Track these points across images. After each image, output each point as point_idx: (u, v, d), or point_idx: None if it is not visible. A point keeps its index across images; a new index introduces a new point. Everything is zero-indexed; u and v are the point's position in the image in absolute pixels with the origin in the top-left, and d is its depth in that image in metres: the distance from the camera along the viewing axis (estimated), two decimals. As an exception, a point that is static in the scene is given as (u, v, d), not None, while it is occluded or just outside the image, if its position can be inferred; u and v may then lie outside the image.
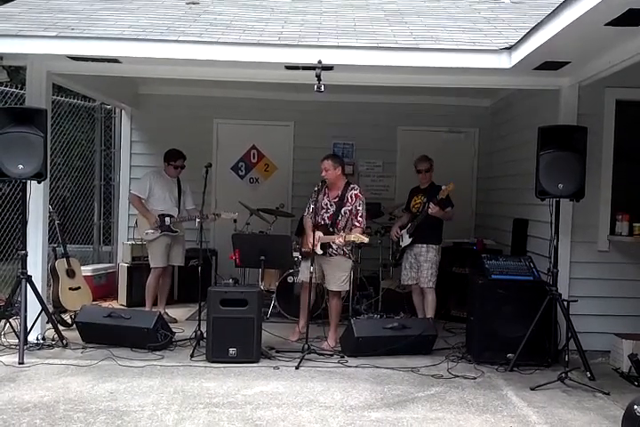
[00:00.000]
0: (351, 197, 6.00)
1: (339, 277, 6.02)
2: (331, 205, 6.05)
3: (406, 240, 6.53)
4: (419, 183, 6.73)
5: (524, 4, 7.30)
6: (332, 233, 5.92)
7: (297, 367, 5.30)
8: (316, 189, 6.11)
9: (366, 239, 5.73)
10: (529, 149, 6.02)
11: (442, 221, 6.49)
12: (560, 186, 5.23)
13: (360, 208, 5.99)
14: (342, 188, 6.06)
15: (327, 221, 6.01)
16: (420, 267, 6.44)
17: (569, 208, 5.77)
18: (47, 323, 5.89)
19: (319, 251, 5.84)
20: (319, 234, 5.82)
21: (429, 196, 6.40)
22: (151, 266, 6.92)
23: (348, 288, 6.26)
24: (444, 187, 6.17)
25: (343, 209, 6.00)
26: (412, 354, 5.72)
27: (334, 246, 5.96)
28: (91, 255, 9.20)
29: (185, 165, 7.04)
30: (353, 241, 5.75)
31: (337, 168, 6.02)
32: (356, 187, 6.12)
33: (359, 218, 5.97)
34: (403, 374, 5.25)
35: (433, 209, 6.22)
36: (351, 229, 5.94)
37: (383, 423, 4.12)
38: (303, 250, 6.17)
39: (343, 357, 5.65)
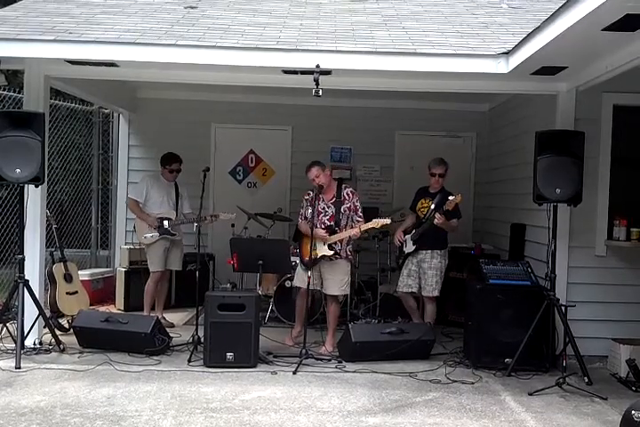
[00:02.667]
0: (347, 194, 6.06)
1: (339, 280, 6.02)
2: (328, 207, 6.06)
3: (410, 247, 6.42)
4: (428, 184, 6.55)
5: (522, 9, 7.31)
6: (337, 233, 5.94)
7: (294, 372, 5.29)
8: (307, 197, 6.11)
9: (388, 220, 5.77)
10: (526, 153, 6.03)
11: None
12: (557, 191, 5.24)
13: (358, 204, 6.07)
14: (336, 188, 6.10)
15: (329, 223, 6.01)
16: (425, 274, 6.31)
17: (566, 213, 5.77)
18: (44, 327, 5.87)
19: (329, 252, 5.84)
20: (325, 235, 5.86)
21: (437, 203, 6.23)
22: (150, 270, 6.90)
23: (348, 292, 6.25)
24: (451, 197, 5.96)
25: (343, 207, 6.03)
26: (410, 359, 5.71)
27: (337, 248, 5.96)
28: (88, 260, 9.18)
29: (181, 168, 7.04)
30: (373, 228, 5.80)
31: (325, 171, 6.04)
32: (349, 185, 6.21)
33: (359, 213, 6.03)
34: (401, 379, 5.24)
35: (439, 220, 6.03)
36: (352, 227, 5.97)
37: (381, 429, 4.12)
38: (305, 258, 6.01)
39: (341, 362, 5.64)
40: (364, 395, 4.78)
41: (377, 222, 5.73)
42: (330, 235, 5.90)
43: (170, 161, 6.98)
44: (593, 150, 5.77)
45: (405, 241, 6.52)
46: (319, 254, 5.88)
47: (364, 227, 5.77)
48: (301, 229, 6.23)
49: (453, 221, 6.25)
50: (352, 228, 5.95)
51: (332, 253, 5.87)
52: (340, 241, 5.94)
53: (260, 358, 5.50)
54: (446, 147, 8.71)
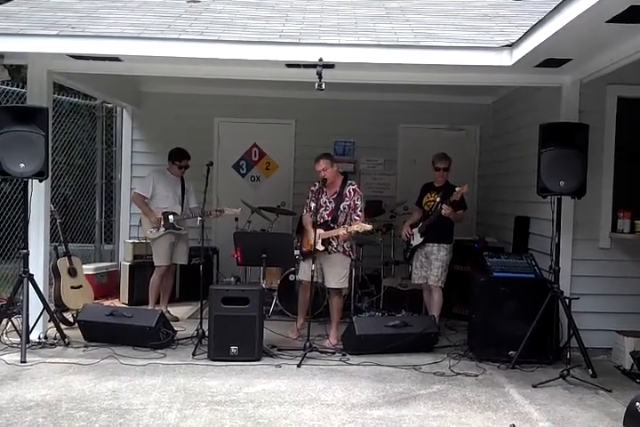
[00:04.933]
0: (349, 192, 6.03)
1: (337, 273, 6.02)
2: (330, 202, 6.07)
3: (417, 239, 6.46)
4: (433, 180, 6.61)
5: (526, 2, 7.28)
6: (333, 229, 5.93)
7: (299, 365, 5.30)
8: (313, 188, 6.11)
9: (369, 227, 5.76)
10: (530, 146, 6.02)
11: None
12: (561, 183, 5.22)
13: (358, 202, 6.02)
14: (340, 184, 6.09)
15: (327, 218, 6.03)
16: (431, 265, 6.36)
17: (570, 205, 5.76)
18: (49, 322, 5.90)
19: (320, 247, 5.84)
20: (320, 231, 5.84)
21: (443, 196, 6.27)
22: (155, 264, 6.90)
23: (347, 285, 6.25)
24: (457, 188, 6.03)
25: (342, 204, 6.02)
26: (414, 352, 5.72)
27: (334, 243, 5.97)
28: (92, 254, 9.20)
29: (189, 164, 7.04)
30: (357, 231, 5.75)
31: (333, 166, 6.03)
32: (354, 182, 6.17)
33: (358, 212, 6.00)
34: (404, 371, 5.25)
35: (446, 210, 6.10)
36: (350, 224, 5.96)
37: (385, 421, 4.12)
38: (303, 249, 6.15)
39: (345, 355, 5.65)
40: (368, 388, 4.80)
41: (360, 226, 5.71)
42: (325, 230, 5.91)
43: (179, 157, 6.96)
44: (597, 143, 5.75)
45: (413, 234, 6.55)
46: (313, 247, 5.87)
47: (350, 229, 5.75)
48: (304, 221, 6.27)
49: (460, 212, 6.31)
50: (349, 225, 5.97)
51: (322, 248, 5.86)
52: (336, 237, 5.94)
53: (264, 352, 5.52)
54: (450, 140, 8.68)
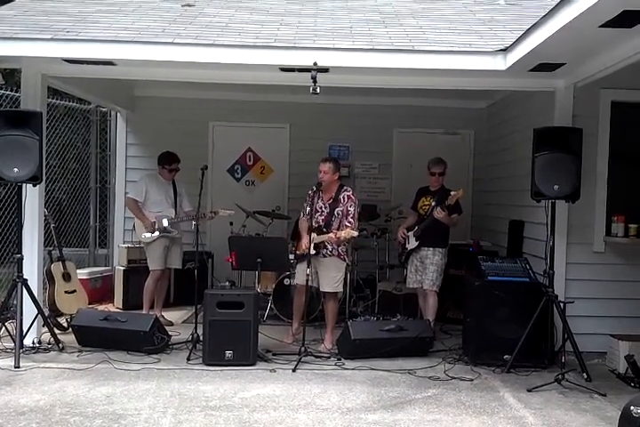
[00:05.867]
0: (344, 198, 6.05)
1: (332, 277, 6.03)
2: (325, 208, 6.09)
3: (413, 243, 6.47)
4: (428, 184, 6.62)
5: (520, 6, 7.31)
6: (326, 234, 5.94)
7: (294, 370, 5.29)
8: (310, 192, 6.11)
9: (355, 233, 5.80)
10: (524, 150, 6.03)
11: None
12: (556, 187, 5.24)
13: (351, 209, 6.03)
14: (336, 190, 6.11)
15: (321, 223, 6.04)
16: (426, 269, 6.37)
17: (564, 210, 5.77)
18: (43, 326, 5.87)
19: (312, 251, 5.84)
20: (313, 235, 5.84)
21: (438, 200, 6.29)
22: (150, 269, 6.89)
23: (341, 289, 6.26)
24: (453, 192, 6.04)
25: (336, 210, 6.04)
26: (409, 356, 5.71)
27: (329, 247, 5.99)
28: (86, 258, 9.16)
29: (179, 167, 7.03)
30: (344, 237, 5.78)
31: (335, 173, 6.06)
32: (349, 189, 6.18)
33: (350, 219, 6.02)
34: (400, 376, 5.25)
35: (439, 214, 6.13)
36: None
37: (380, 426, 4.12)
38: (297, 252, 6.19)
39: (340, 359, 5.64)
40: (364, 392, 4.79)
41: (347, 233, 5.75)
42: (318, 235, 5.92)
43: (168, 160, 6.96)
44: (591, 147, 5.77)
45: (408, 238, 6.55)
46: (305, 251, 5.87)
47: (339, 234, 5.78)
48: (300, 225, 6.29)
49: (454, 216, 6.31)
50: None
51: (314, 252, 5.85)
52: (328, 242, 5.94)
53: (259, 356, 5.50)
54: (444, 144, 8.69)
